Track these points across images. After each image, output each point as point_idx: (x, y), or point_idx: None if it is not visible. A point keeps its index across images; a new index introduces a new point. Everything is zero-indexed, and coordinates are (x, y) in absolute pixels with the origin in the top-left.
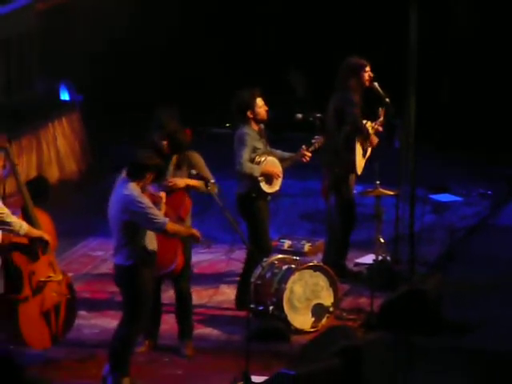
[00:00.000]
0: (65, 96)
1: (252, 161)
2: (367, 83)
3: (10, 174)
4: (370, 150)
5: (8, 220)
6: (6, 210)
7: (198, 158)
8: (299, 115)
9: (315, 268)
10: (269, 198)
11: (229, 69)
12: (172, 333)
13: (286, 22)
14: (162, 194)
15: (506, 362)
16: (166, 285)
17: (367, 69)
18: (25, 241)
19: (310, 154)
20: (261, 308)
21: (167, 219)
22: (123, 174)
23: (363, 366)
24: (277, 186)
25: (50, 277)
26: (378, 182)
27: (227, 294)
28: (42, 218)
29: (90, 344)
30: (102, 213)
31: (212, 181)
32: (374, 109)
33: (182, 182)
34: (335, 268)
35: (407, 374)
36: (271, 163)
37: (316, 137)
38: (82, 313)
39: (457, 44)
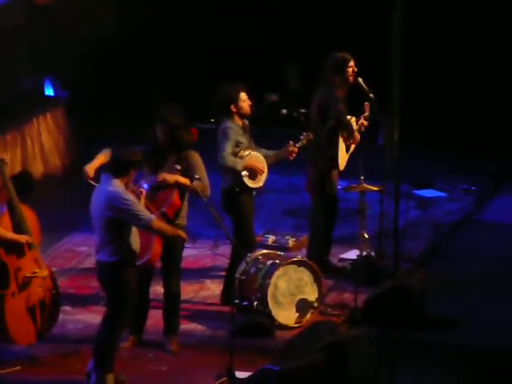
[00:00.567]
0: (49, 92)
1: (235, 155)
2: (351, 78)
3: None
4: (353, 146)
5: None
6: None
7: (196, 158)
8: (284, 111)
9: (299, 263)
10: (254, 193)
11: (216, 65)
12: (157, 328)
13: (281, 20)
14: (142, 190)
15: (489, 357)
16: (153, 280)
17: (351, 64)
18: (10, 236)
19: (296, 151)
20: (245, 303)
21: (153, 216)
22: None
23: (347, 362)
24: (261, 181)
25: (35, 272)
26: (362, 178)
27: (212, 289)
28: (27, 213)
29: (75, 339)
30: (87, 208)
31: (196, 177)
32: (358, 104)
33: (171, 178)
34: (319, 263)
35: (391, 369)
36: (255, 158)
37: (304, 133)
38: (67, 308)
39: (442, 39)
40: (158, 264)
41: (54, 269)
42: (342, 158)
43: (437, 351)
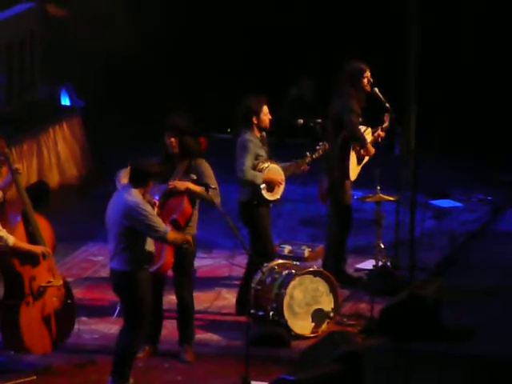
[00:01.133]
0: (65, 101)
1: (254, 168)
2: (367, 88)
3: (11, 182)
4: (366, 158)
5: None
6: None
7: (206, 166)
8: (300, 121)
9: (315, 273)
10: (270, 204)
11: (231, 75)
12: (172, 338)
13: (293, 29)
14: (155, 201)
15: (505, 367)
16: (166, 290)
17: (366, 73)
18: (25, 246)
19: (308, 167)
20: (261, 313)
21: (169, 228)
22: (121, 178)
23: (363, 372)
24: (278, 193)
25: (50, 282)
26: (378, 188)
27: (228, 299)
28: (42, 223)
29: (90, 349)
30: (102, 218)
31: (213, 187)
32: (375, 115)
33: (182, 185)
34: (335, 273)
35: (407, 379)
36: (274, 170)
37: (320, 143)
38: (82, 318)
39: (458, 45)
40: (170, 273)
41: (69, 279)
42: (353, 169)
43: (451, 362)
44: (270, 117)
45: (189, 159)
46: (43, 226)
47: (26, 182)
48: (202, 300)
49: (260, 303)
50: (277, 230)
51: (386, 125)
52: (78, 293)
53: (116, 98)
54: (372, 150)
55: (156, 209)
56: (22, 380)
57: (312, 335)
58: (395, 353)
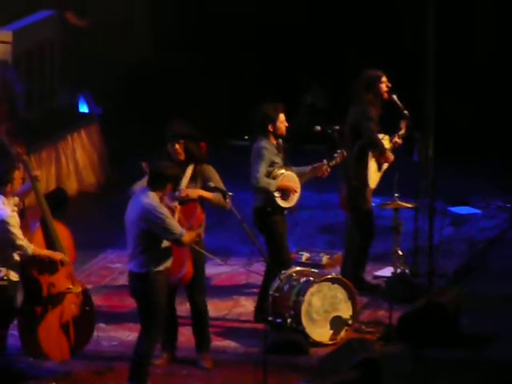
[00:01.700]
0: (84, 108)
1: (269, 174)
2: (385, 95)
3: (30, 189)
4: (386, 164)
5: (18, 243)
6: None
7: (212, 172)
8: (318, 127)
9: (333, 280)
10: (285, 211)
11: (246, 81)
12: (190, 345)
13: (304, 34)
14: (176, 205)
15: None
16: (182, 298)
17: (383, 79)
18: (44, 253)
19: (329, 170)
20: (279, 320)
21: (184, 231)
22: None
23: (382, 379)
24: (293, 201)
25: (68, 288)
26: (396, 195)
27: (246, 306)
28: (61, 230)
29: (109, 356)
30: (121, 225)
31: (230, 193)
32: (393, 122)
33: (194, 193)
34: (353, 280)
35: None
36: (288, 178)
37: (338, 151)
38: (101, 325)
39: (476, 51)
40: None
41: (88, 286)
42: (373, 176)
43: (471, 369)
44: (287, 124)
45: (194, 165)
46: (62, 233)
47: (45, 190)
48: (219, 307)
49: (278, 310)
50: (295, 237)
51: (402, 132)
52: (96, 300)
53: (134, 104)
54: (391, 157)
55: (177, 213)
56: None
57: (330, 342)
58: (413, 360)
